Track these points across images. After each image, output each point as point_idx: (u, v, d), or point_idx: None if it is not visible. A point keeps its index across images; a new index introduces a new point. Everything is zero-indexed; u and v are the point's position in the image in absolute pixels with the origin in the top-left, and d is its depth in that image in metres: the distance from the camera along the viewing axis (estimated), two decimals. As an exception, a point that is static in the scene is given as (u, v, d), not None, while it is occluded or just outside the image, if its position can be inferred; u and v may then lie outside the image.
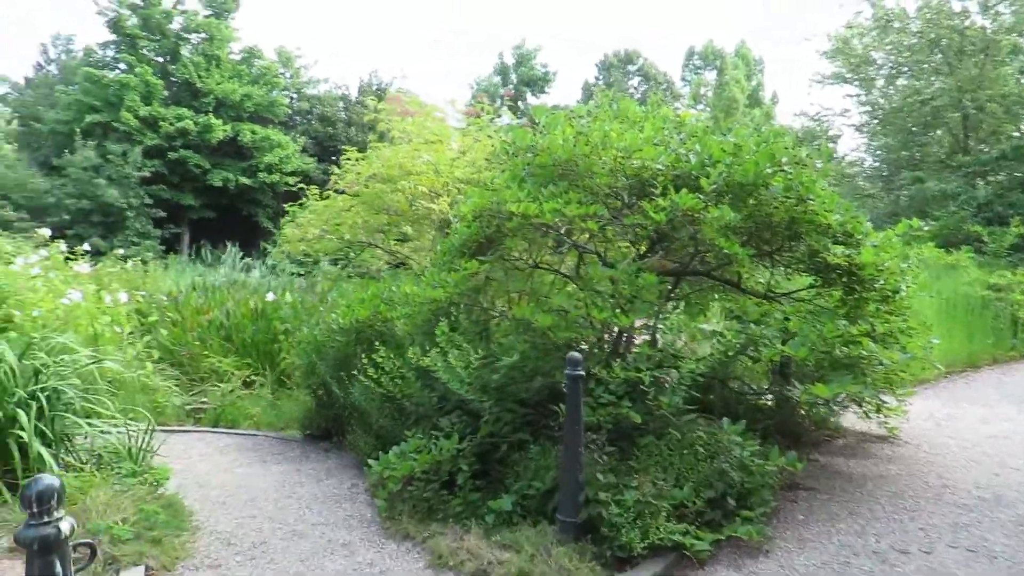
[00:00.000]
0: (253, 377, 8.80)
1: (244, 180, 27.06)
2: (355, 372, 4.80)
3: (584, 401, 3.46)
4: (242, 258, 17.34)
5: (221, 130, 26.37)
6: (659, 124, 4.65)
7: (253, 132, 27.62)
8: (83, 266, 7.53)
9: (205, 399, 8.46)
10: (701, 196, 3.93)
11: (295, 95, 34.02)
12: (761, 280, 5.27)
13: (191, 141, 26.23)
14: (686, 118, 5.25)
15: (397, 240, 8.34)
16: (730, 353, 4.23)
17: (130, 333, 10.06)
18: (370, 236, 7.35)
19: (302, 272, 18.18)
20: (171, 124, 25.65)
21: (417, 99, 8.07)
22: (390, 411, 4.70)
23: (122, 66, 27.43)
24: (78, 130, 24.62)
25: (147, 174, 24.75)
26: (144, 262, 17.91)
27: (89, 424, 4.38)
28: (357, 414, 5.14)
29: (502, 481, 3.88)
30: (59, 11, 69.23)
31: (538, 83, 42.43)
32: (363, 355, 4.81)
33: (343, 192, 7.20)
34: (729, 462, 3.56)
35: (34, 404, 4.13)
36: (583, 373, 3.28)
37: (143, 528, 3.36)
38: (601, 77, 44.68)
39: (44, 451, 3.98)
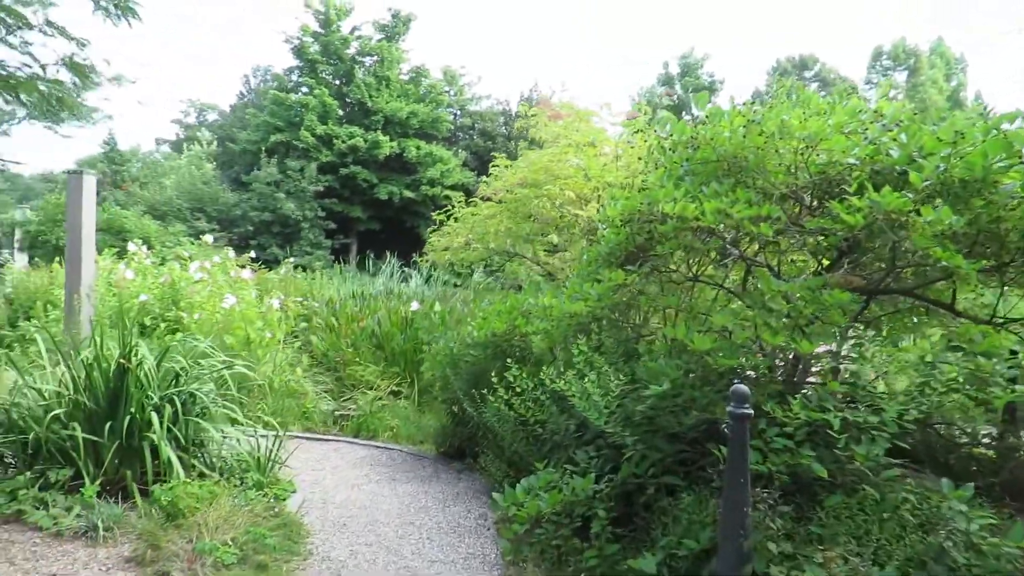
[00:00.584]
0: (399, 387, 8.79)
1: (408, 193, 28.19)
2: (488, 390, 4.42)
3: (751, 445, 2.79)
4: (402, 268, 17.95)
5: (388, 146, 27.67)
6: (851, 111, 3.86)
7: (418, 148, 28.74)
8: (245, 272, 7.86)
9: (353, 406, 8.52)
10: (909, 195, 3.12)
11: (458, 111, 35.11)
12: (981, 301, 4.26)
13: (360, 157, 27.77)
14: (884, 107, 4.37)
15: (547, 251, 7.96)
16: (954, 394, 3.34)
17: (293, 337, 10.48)
18: (516, 245, 7.00)
19: (457, 283, 18.47)
20: (343, 142, 27.32)
21: (570, 104, 7.63)
22: (524, 436, 4.26)
23: (304, 89, 29.72)
24: (264, 149, 26.91)
25: (320, 188, 26.49)
26: (312, 270, 19.07)
27: (217, 430, 4.32)
28: (491, 435, 4.76)
29: (647, 531, 3.28)
30: (269, 45, 77.19)
31: (704, 93, 40.73)
32: (497, 372, 4.43)
33: (489, 199, 6.93)
34: (951, 537, 2.71)
35: (168, 408, 4.13)
36: (751, 411, 2.62)
37: (252, 550, 3.14)
38: (773, 86, 42.07)
39: (173, 456, 3.94)
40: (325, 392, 8.68)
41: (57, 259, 10.19)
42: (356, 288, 14.94)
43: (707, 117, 3.94)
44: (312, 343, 10.82)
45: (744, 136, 3.58)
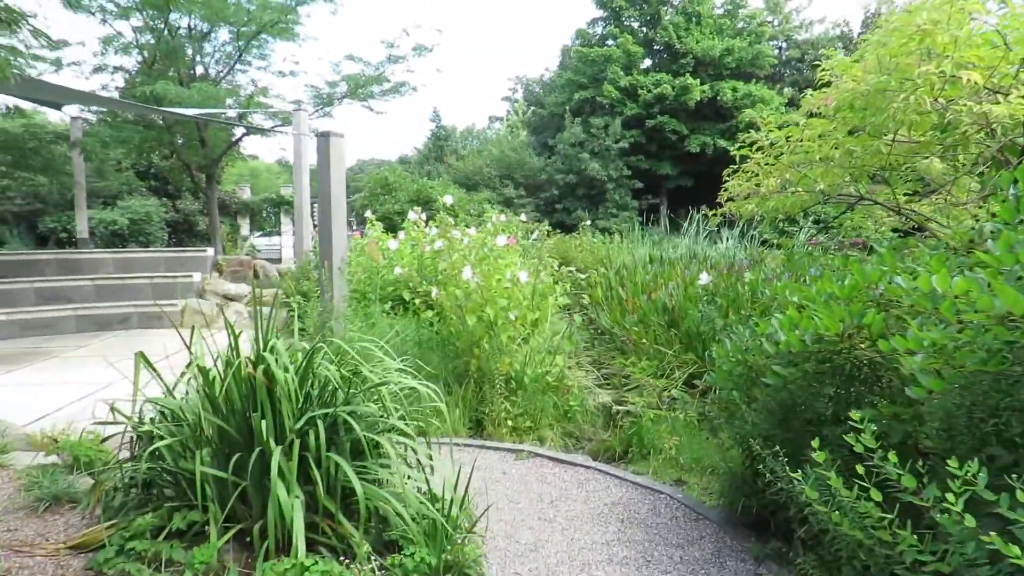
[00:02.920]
0: (694, 380, 6.97)
1: (722, 143, 25.24)
2: (811, 440, 2.35)
3: None
4: (716, 227, 15.52)
5: (699, 91, 25.03)
6: None
7: (734, 90, 25.56)
8: (500, 239, 6.63)
9: (639, 400, 6.97)
10: None
11: (783, 43, 30.69)
12: None
13: (668, 106, 25.58)
14: None
15: (909, 194, 5.30)
16: None
17: (567, 312, 9.18)
18: (860, 183, 4.53)
19: (778, 242, 15.43)
20: (648, 91, 25.41)
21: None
22: (884, 551, 2.14)
23: (609, 42, 28.41)
24: (568, 109, 26.32)
25: (625, 145, 25.00)
26: (611, 233, 17.75)
27: (360, 473, 2.95)
28: (813, 518, 2.68)
29: None
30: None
31: None
32: (823, 414, 2.35)
33: (818, 115, 4.55)
34: None
35: (312, 439, 2.89)
36: None
37: None
38: None
39: (298, 514, 2.67)
40: (599, 384, 7.21)
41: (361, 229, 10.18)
42: (653, 252, 13.14)
43: None
44: (590, 320, 9.41)
45: None
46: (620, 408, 6.62)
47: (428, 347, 6.12)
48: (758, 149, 4.98)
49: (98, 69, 13.89)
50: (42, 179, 15.65)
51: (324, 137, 6.71)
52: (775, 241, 16.61)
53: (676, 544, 3.33)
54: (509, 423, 5.33)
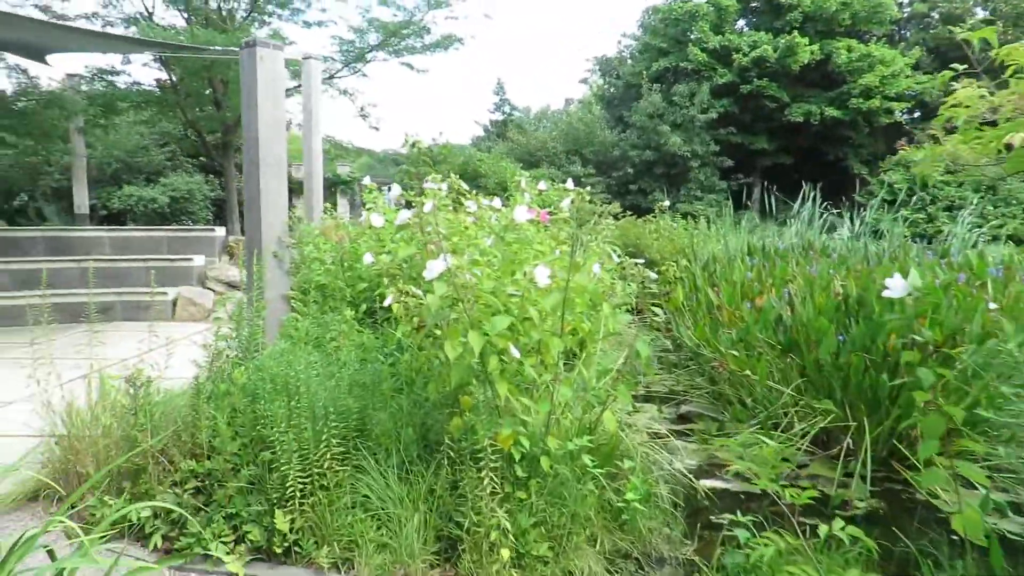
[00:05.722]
0: (831, 439, 4.45)
1: (832, 112, 21.67)
2: None
3: None
4: (825, 212, 12.39)
5: (807, 51, 21.46)
6: None
7: (849, 50, 21.91)
8: (520, 212, 4.15)
9: (736, 466, 4.46)
10: None
11: (905, -5, 26.66)
12: None
13: (768, 70, 22.15)
14: None
15: None
16: None
17: (641, 321, 6.69)
18: None
19: (921, 232, 12.13)
20: (744, 54, 22.05)
21: None
22: None
23: (696, -1, 25.20)
24: (645, 75, 23.30)
25: (713, 116, 21.79)
26: (696, 217, 14.92)
27: None
28: None
29: None
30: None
31: None
32: None
33: None
34: None
35: None
36: None
37: None
38: None
39: None
40: (673, 431, 4.66)
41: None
42: (754, 241, 10.31)
43: None
44: (667, 330, 6.84)
45: None
46: (711, 488, 4.10)
47: (389, 390, 3.71)
48: None
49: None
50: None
51: (249, 48, 4.37)
52: (903, 233, 13.34)
53: None
54: (505, 550, 2.86)
